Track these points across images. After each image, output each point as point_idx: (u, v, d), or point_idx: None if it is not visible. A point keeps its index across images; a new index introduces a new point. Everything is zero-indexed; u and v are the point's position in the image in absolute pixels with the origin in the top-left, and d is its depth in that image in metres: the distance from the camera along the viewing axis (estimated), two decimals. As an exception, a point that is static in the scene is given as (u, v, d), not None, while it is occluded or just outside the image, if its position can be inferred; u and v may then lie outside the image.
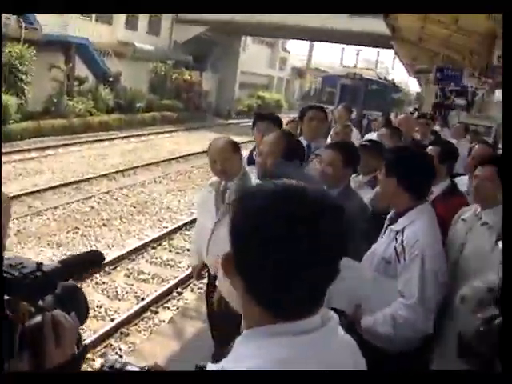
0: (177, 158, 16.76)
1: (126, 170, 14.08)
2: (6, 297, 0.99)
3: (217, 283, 3.23)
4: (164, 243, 8.89)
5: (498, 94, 13.21)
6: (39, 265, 1.06)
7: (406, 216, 2.80)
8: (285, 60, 48.54)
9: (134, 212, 10.52)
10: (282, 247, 0.99)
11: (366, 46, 41.82)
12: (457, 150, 4.42)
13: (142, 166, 14.82)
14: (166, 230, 9.43)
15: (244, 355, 1.02)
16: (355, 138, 6.12)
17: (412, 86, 50.81)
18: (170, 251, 8.61)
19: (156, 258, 8.18)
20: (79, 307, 1.15)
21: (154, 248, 8.59)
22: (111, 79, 22.22)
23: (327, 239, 1.01)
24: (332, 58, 70.04)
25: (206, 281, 6.89)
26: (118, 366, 1.14)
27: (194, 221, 10.31)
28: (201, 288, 7.15)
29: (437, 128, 10.38)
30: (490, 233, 3.05)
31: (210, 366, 1.06)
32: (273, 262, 0.99)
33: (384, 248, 2.77)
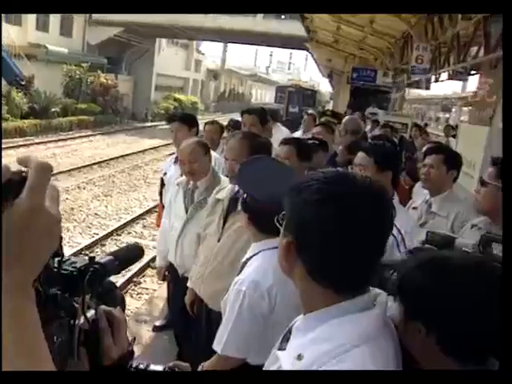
0: (99, 162, 16.39)
1: (47, 176, 13.59)
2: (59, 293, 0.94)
3: (188, 284, 3.25)
4: (96, 250, 8.72)
5: (411, 92, 13.94)
6: (92, 258, 1.04)
7: None
8: (199, 62, 48.51)
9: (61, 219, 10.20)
10: (339, 230, 1.09)
11: (279, 47, 42.51)
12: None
13: (63, 172, 14.37)
14: (97, 237, 9.24)
15: (320, 338, 1.10)
16: (285, 135, 6.39)
17: (324, 86, 52.25)
18: (103, 258, 8.44)
19: (90, 265, 7.99)
20: (118, 304, 1.11)
21: (86, 255, 8.39)
22: (24, 83, 21.31)
23: (379, 219, 1.13)
24: (246, 59, 70.74)
25: (147, 285, 6.89)
26: (141, 366, 1.10)
27: (123, 226, 10.18)
28: (140, 293, 7.09)
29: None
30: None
31: (281, 355, 1.17)
32: (333, 244, 1.10)
33: None
